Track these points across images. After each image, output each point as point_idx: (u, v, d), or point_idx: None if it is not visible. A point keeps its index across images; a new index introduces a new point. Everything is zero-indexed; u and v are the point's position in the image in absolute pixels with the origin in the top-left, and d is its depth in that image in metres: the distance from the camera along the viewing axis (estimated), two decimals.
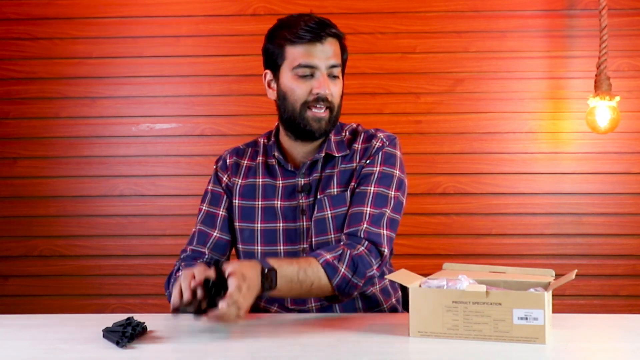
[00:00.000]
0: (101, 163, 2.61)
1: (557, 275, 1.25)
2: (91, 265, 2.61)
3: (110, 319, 1.20)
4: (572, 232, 2.55)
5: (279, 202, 1.50)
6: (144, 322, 1.17)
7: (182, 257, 1.53)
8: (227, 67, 2.60)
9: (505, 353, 1.07)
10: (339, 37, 1.49)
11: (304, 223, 1.49)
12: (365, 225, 1.41)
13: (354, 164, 1.50)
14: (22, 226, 2.61)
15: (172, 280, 1.46)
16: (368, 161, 1.49)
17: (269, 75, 1.52)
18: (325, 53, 1.44)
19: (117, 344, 1.11)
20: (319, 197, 1.49)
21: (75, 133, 2.61)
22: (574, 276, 1.18)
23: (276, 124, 1.57)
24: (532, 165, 2.56)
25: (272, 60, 1.49)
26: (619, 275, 2.54)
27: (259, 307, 1.55)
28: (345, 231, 1.42)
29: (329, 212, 1.47)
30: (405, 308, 1.52)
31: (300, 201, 1.50)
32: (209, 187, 1.59)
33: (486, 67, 2.56)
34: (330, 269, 1.33)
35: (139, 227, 2.60)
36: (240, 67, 2.59)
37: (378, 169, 1.47)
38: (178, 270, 1.48)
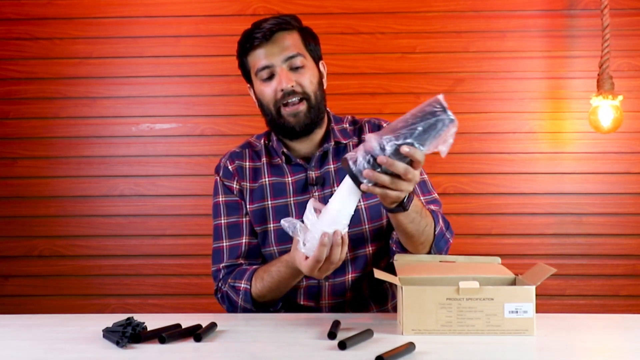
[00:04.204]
0: (101, 163, 2.61)
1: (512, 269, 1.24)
2: (91, 265, 2.61)
3: (110, 319, 1.20)
4: (572, 232, 2.55)
5: (291, 199, 1.50)
6: (144, 322, 1.17)
7: (221, 277, 1.50)
8: (227, 67, 2.58)
9: (502, 354, 1.07)
10: (291, 29, 1.48)
11: None
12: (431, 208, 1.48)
13: None
14: (22, 226, 2.61)
15: (239, 302, 1.45)
16: None
17: (249, 88, 1.56)
18: (277, 48, 1.45)
19: (117, 344, 1.11)
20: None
21: (76, 133, 2.61)
22: (553, 270, 1.20)
23: None
24: (532, 165, 2.56)
25: (245, 73, 1.55)
26: (619, 275, 2.54)
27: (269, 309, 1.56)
28: None
29: (362, 203, 1.49)
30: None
31: (315, 194, 1.50)
32: (220, 200, 1.55)
33: (486, 67, 2.56)
34: (435, 216, 1.39)
35: (139, 227, 2.60)
36: None
37: None
38: (244, 296, 1.44)
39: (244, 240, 1.50)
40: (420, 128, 1.14)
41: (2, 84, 2.61)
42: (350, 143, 1.55)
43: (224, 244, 1.51)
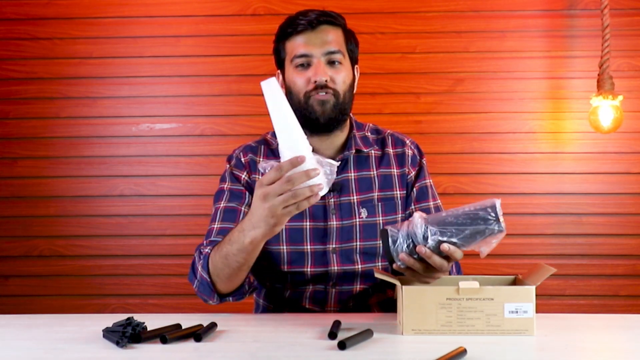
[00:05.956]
0: (101, 163, 2.61)
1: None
2: (91, 265, 2.61)
3: (110, 319, 1.20)
4: (572, 232, 2.55)
5: None
6: (144, 322, 1.17)
7: (201, 250, 1.42)
8: (227, 67, 2.60)
9: (502, 354, 1.07)
10: (337, 25, 1.46)
11: (335, 222, 1.46)
12: None
13: (392, 170, 1.52)
14: (22, 226, 2.61)
15: (198, 268, 1.38)
16: (415, 174, 1.54)
17: (279, 74, 1.51)
18: (320, 39, 1.43)
19: (117, 344, 1.10)
20: (366, 199, 1.48)
21: (76, 133, 2.61)
22: (553, 270, 1.20)
23: None
24: (532, 165, 2.56)
25: (279, 59, 1.50)
26: (619, 275, 2.55)
27: (268, 309, 1.54)
28: None
29: (380, 217, 1.48)
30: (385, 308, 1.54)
31: (330, 200, 1.47)
32: (226, 186, 1.50)
33: (486, 67, 2.56)
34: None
35: (139, 227, 2.60)
36: (240, 67, 2.59)
37: (427, 182, 1.56)
38: (204, 260, 1.37)
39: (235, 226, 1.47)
40: (467, 231, 1.16)
41: (2, 84, 2.61)
42: (372, 152, 1.53)
43: (215, 226, 1.46)
